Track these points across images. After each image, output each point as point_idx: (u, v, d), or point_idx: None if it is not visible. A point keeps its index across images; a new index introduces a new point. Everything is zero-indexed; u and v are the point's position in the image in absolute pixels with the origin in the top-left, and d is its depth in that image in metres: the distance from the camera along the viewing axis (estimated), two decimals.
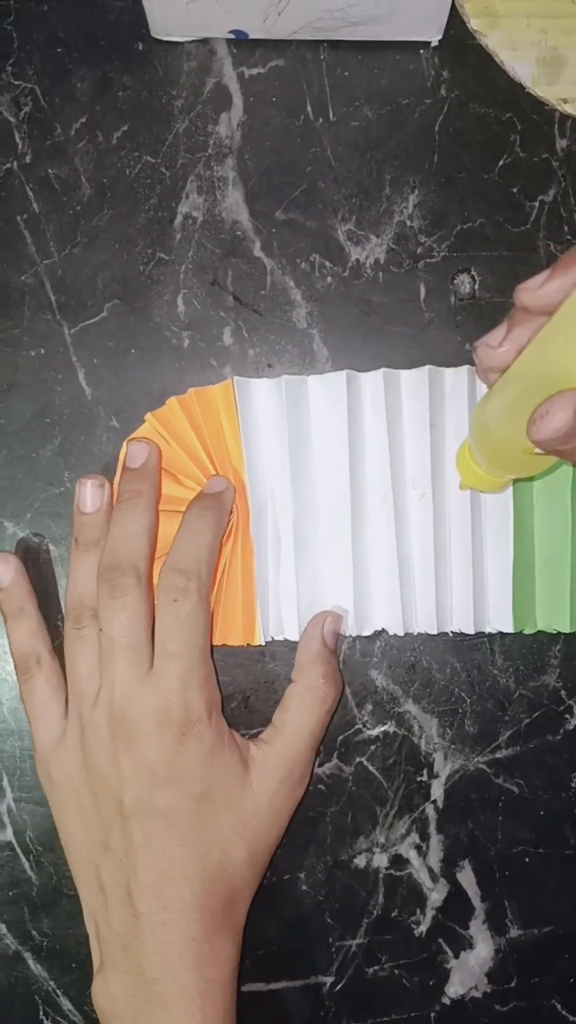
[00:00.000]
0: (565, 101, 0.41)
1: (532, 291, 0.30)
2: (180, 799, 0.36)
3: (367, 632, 0.40)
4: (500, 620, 0.40)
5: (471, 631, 0.40)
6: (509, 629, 0.40)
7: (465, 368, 0.40)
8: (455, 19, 0.41)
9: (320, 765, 0.41)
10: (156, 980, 0.35)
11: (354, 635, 0.40)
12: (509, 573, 0.40)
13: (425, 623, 0.40)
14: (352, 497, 0.40)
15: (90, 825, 0.37)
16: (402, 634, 0.40)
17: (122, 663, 0.36)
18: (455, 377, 0.40)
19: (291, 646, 0.41)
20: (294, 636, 0.40)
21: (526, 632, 0.40)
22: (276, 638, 0.40)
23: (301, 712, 0.38)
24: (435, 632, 0.40)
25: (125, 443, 0.40)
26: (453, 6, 0.40)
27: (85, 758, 0.37)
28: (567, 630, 0.40)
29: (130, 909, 0.36)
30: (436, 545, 0.40)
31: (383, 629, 0.40)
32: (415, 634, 0.40)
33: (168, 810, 0.36)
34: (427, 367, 0.40)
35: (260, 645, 0.40)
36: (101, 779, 0.36)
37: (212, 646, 0.39)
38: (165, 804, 0.36)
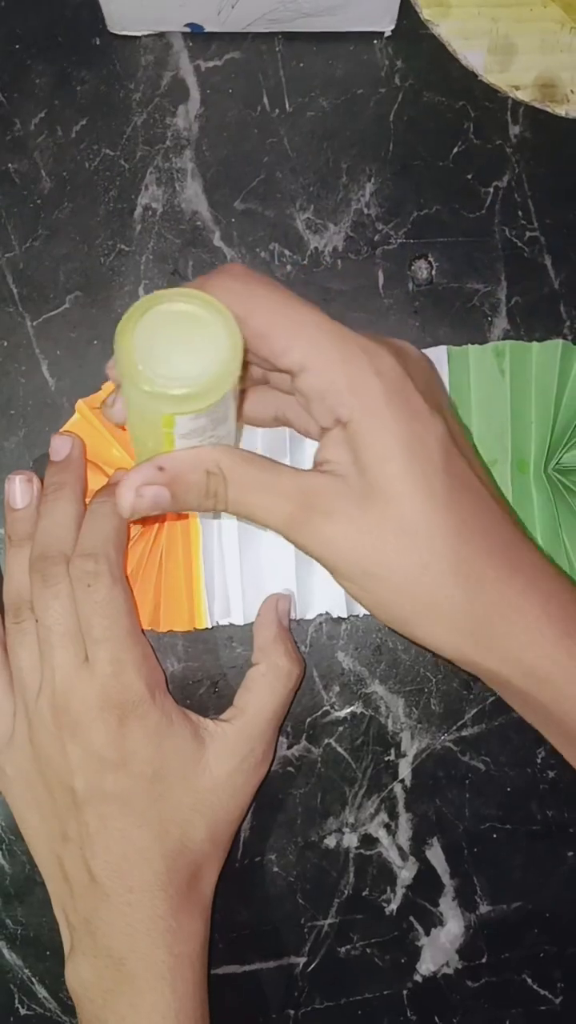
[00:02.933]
0: (517, 88, 0.42)
1: (107, 409, 0.36)
2: (131, 781, 0.36)
3: (310, 616, 0.41)
4: None
5: None
6: None
7: (443, 348, 0.41)
8: (407, 9, 0.42)
9: (289, 747, 0.41)
10: (124, 959, 0.35)
11: (297, 618, 0.41)
12: None
13: None
14: None
15: (47, 817, 0.37)
16: (345, 616, 0.40)
17: (60, 651, 0.36)
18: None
19: None
20: (239, 620, 0.40)
21: None
22: (221, 622, 0.41)
23: (265, 692, 0.39)
24: None
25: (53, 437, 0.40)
26: None
27: (34, 750, 0.37)
28: None
29: (95, 893, 0.36)
30: None
31: (327, 612, 0.41)
32: (360, 616, 0.41)
33: (120, 793, 0.36)
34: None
35: (206, 629, 0.40)
36: (52, 770, 0.36)
37: (151, 631, 0.40)
38: (116, 788, 0.36)
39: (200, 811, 0.37)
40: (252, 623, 0.40)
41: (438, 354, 0.40)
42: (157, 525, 0.40)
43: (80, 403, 0.40)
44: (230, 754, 0.38)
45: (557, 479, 0.41)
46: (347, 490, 0.31)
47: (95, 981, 0.36)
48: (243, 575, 0.40)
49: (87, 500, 0.39)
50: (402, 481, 0.30)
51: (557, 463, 0.41)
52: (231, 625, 0.41)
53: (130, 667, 0.36)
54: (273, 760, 0.40)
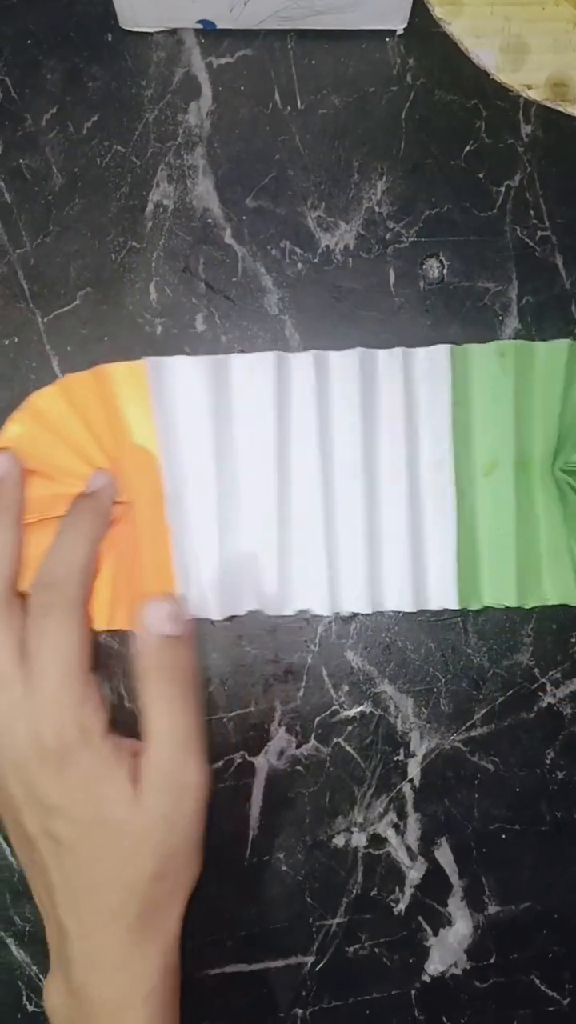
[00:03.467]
0: (529, 87, 0.42)
1: None
2: (72, 827, 0.35)
3: (288, 612, 0.40)
4: (444, 597, 0.40)
5: (410, 609, 0.40)
6: (454, 605, 0.40)
7: (398, 350, 0.40)
8: (420, 7, 0.42)
9: (298, 746, 0.41)
10: (82, 989, 0.35)
11: (273, 615, 0.40)
12: (451, 551, 0.40)
13: (356, 603, 0.40)
14: (279, 479, 0.40)
15: (15, 842, 0.37)
16: (327, 613, 0.40)
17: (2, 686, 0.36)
18: (387, 359, 0.40)
19: (268, 628, 0.41)
20: (215, 615, 0.40)
21: (471, 608, 0.40)
22: (198, 617, 0.40)
23: (162, 719, 0.36)
24: (369, 611, 0.40)
25: None
26: None
27: None
28: (513, 604, 0.40)
29: (57, 921, 0.36)
30: (368, 525, 0.40)
31: (307, 609, 0.40)
32: (346, 614, 0.41)
33: (64, 837, 0.35)
34: (357, 349, 0.40)
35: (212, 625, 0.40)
36: (7, 803, 0.36)
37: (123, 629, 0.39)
38: (59, 832, 0.35)
39: (143, 852, 0.35)
40: (226, 617, 0.40)
41: (440, 353, 0.40)
42: (128, 528, 0.40)
43: (33, 397, 0.40)
44: (161, 788, 0.36)
45: (564, 479, 0.41)
46: None
47: (60, 1007, 0.36)
48: (221, 571, 0.40)
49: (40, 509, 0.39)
50: None
51: (565, 463, 0.41)
52: (240, 624, 0.41)
53: (67, 708, 0.35)
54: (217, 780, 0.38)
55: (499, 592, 0.40)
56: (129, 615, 0.39)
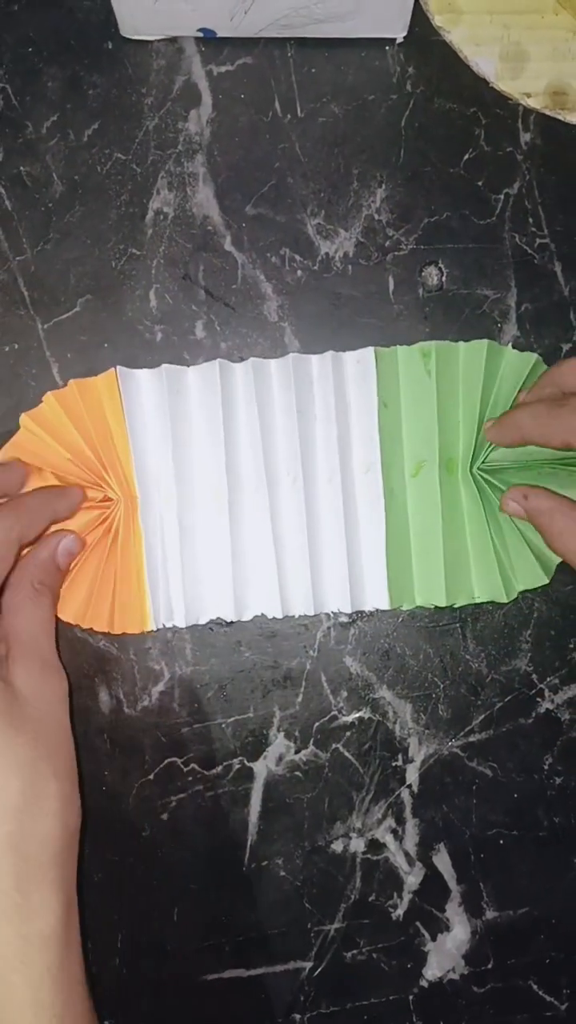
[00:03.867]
0: (528, 95, 0.42)
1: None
2: None
3: (247, 617, 0.41)
4: (377, 598, 0.41)
5: (348, 610, 0.40)
6: (385, 606, 0.40)
7: (329, 354, 0.41)
8: (419, 16, 0.42)
9: (296, 752, 0.41)
10: None
11: (232, 620, 0.41)
12: (381, 553, 0.40)
13: (303, 605, 0.40)
14: (229, 484, 0.40)
15: None
16: (280, 616, 0.41)
17: None
18: (320, 363, 0.41)
19: (267, 634, 0.41)
20: (181, 623, 0.40)
21: (404, 608, 0.41)
22: (166, 624, 0.40)
23: (27, 611, 0.37)
24: (312, 613, 0.41)
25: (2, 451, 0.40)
26: (417, 3, 0.41)
27: None
28: (443, 604, 0.40)
29: None
30: (308, 528, 0.40)
31: (262, 613, 0.41)
32: (296, 616, 0.41)
33: None
34: (291, 355, 0.40)
35: (152, 632, 0.41)
36: None
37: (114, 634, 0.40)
38: None
39: (40, 748, 0.33)
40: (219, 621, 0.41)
41: (368, 356, 0.41)
42: (107, 531, 0.40)
43: (24, 416, 0.40)
44: (29, 674, 0.35)
45: (483, 478, 0.41)
46: None
47: None
48: (184, 578, 0.40)
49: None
50: None
51: (483, 462, 0.41)
52: (239, 629, 0.41)
53: None
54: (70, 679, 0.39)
55: (429, 592, 0.41)
56: (101, 615, 0.40)
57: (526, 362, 0.41)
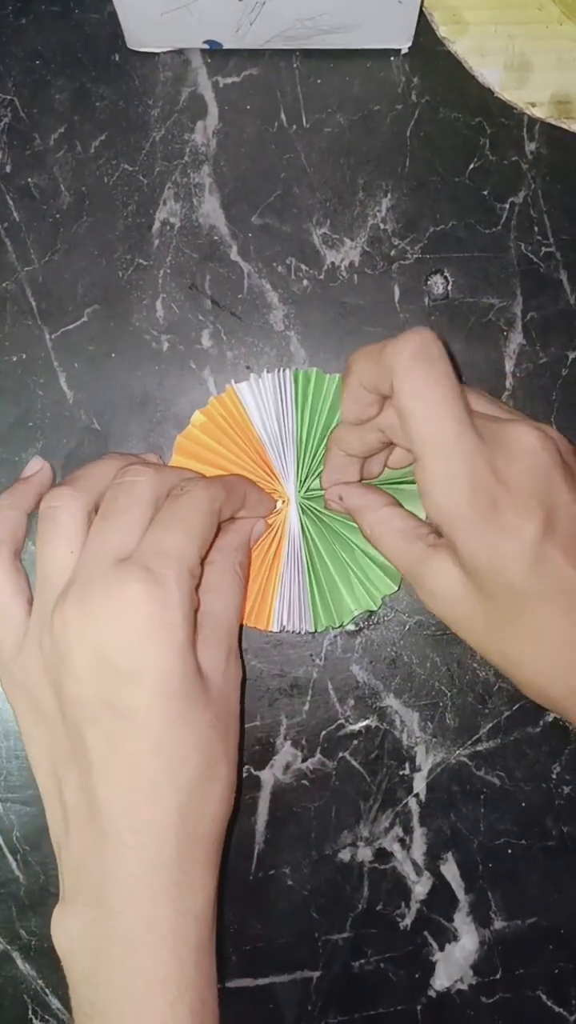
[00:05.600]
0: (533, 105, 0.42)
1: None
2: (148, 696, 0.32)
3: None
4: (303, 623, 0.41)
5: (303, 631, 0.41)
6: (311, 629, 0.41)
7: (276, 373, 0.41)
8: (424, 26, 0.42)
9: (303, 760, 0.41)
10: (118, 913, 0.31)
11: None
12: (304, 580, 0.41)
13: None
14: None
15: (53, 732, 0.34)
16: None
17: (113, 537, 0.34)
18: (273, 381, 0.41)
19: (273, 643, 0.41)
20: (299, 627, 0.41)
21: (318, 629, 0.41)
22: (288, 628, 0.41)
23: (227, 592, 0.37)
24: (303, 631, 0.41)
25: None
26: (422, 14, 0.41)
27: (45, 655, 0.34)
28: (335, 624, 0.41)
29: (93, 830, 0.32)
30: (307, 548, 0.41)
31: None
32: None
33: (134, 709, 0.32)
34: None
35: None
36: (62, 677, 0.33)
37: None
38: (131, 702, 0.32)
39: (217, 729, 0.33)
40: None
41: (288, 377, 0.41)
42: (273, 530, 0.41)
43: (179, 439, 0.41)
44: (218, 655, 0.35)
45: (308, 506, 0.41)
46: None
47: (84, 938, 0.32)
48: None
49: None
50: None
51: (307, 489, 0.41)
52: (246, 638, 0.41)
53: (177, 579, 0.33)
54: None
55: (328, 614, 0.41)
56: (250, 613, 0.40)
57: (330, 382, 0.41)
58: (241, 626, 0.40)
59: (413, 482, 0.41)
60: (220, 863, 0.34)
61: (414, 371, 0.32)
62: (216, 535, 0.37)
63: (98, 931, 0.31)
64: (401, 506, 0.38)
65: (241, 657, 0.38)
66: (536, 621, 0.33)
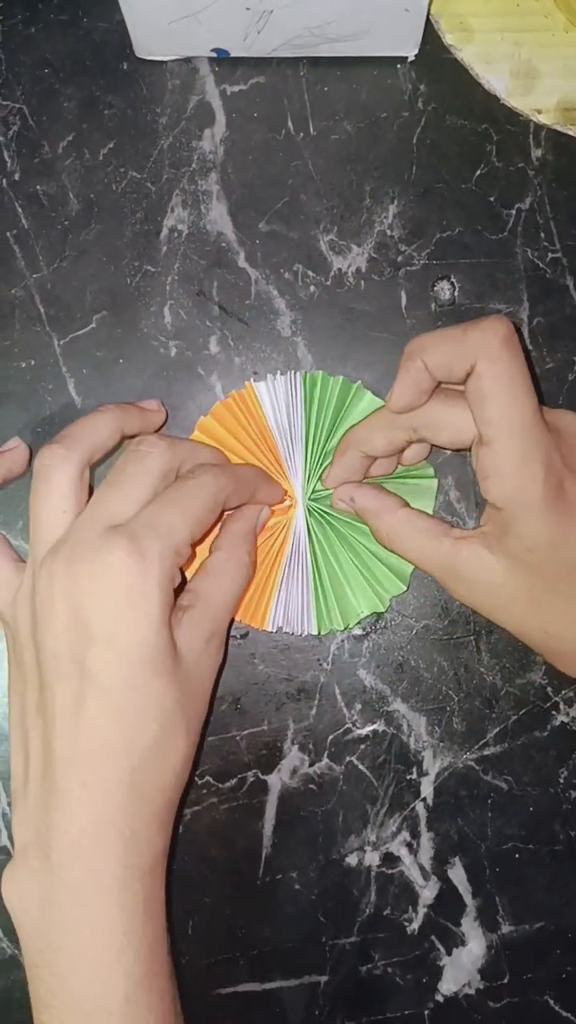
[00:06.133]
0: (539, 111, 0.43)
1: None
2: (115, 663, 0.33)
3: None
4: (307, 626, 0.41)
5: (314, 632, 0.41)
6: (315, 632, 0.41)
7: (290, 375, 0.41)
8: (431, 34, 0.43)
9: (311, 764, 0.41)
10: (66, 865, 0.32)
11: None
12: (309, 583, 0.41)
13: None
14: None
15: (30, 684, 0.35)
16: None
17: (113, 503, 0.35)
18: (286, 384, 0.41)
19: (280, 647, 0.42)
20: (297, 629, 0.41)
21: (322, 632, 0.41)
22: (285, 629, 0.41)
23: (227, 579, 0.37)
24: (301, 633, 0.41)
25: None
26: (428, 22, 0.42)
27: (34, 607, 0.35)
28: (339, 627, 0.41)
29: (46, 783, 0.33)
30: (293, 554, 0.41)
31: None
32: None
33: (99, 673, 0.33)
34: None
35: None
36: (43, 631, 0.34)
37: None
38: (96, 666, 0.33)
39: (182, 704, 0.34)
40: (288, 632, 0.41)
41: (298, 380, 0.41)
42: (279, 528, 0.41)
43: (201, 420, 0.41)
44: (197, 637, 0.35)
45: (314, 507, 0.41)
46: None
47: (33, 890, 0.33)
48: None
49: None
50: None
51: (313, 490, 0.41)
52: (253, 642, 0.41)
53: (160, 554, 0.33)
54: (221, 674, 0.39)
55: (331, 618, 0.41)
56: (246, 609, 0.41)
57: (347, 389, 0.41)
58: (232, 619, 0.40)
59: (413, 478, 0.41)
60: (170, 832, 0.35)
61: (504, 355, 0.34)
62: (219, 520, 0.38)
63: (46, 883, 0.32)
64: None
65: (226, 645, 0.39)
66: None
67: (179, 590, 0.36)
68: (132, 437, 0.39)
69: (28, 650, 0.35)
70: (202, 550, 0.40)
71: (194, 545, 0.36)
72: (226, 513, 0.40)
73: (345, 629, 0.41)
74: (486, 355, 0.34)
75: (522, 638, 0.37)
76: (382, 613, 0.41)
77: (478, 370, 0.34)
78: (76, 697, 0.33)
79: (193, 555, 0.38)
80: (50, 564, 0.34)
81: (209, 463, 0.38)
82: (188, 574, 0.39)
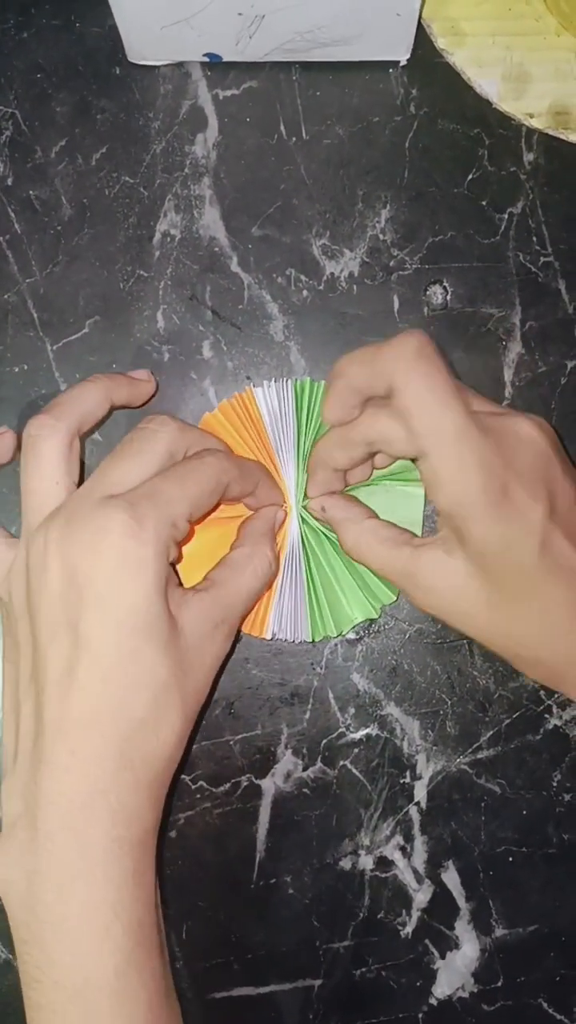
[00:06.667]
0: (531, 115, 0.43)
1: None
2: (105, 627, 0.33)
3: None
4: (301, 632, 0.41)
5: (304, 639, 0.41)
6: (308, 639, 0.41)
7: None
8: (423, 38, 0.43)
9: (304, 769, 0.41)
10: (52, 836, 0.32)
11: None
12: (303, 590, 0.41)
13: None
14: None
15: (25, 655, 0.35)
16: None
17: (116, 471, 0.35)
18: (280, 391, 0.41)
19: (274, 652, 0.42)
20: (290, 636, 0.41)
21: (316, 639, 0.41)
22: (280, 637, 0.41)
23: (247, 572, 0.37)
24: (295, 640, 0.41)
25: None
26: (420, 26, 0.42)
27: (29, 576, 0.35)
28: (333, 634, 0.41)
29: (35, 753, 0.33)
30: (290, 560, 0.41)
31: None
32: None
33: (91, 638, 0.32)
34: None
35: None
36: (39, 597, 0.34)
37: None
38: (87, 630, 0.32)
39: (176, 677, 0.34)
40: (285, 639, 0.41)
41: (288, 388, 0.41)
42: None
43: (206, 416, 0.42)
44: (204, 619, 0.35)
45: (307, 515, 0.41)
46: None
47: (20, 862, 0.32)
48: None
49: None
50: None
51: (306, 498, 0.41)
52: (247, 647, 0.41)
53: (156, 522, 0.33)
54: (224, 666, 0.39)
55: (326, 625, 0.41)
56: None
57: (319, 390, 0.41)
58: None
59: (401, 483, 0.41)
60: (161, 808, 0.34)
61: (416, 368, 0.33)
62: (217, 506, 0.38)
63: (33, 855, 0.32)
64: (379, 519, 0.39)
65: (234, 643, 0.39)
66: (543, 598, 0.35)
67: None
68: (122, 407, 0.40)
69: (23, 620, 0.35)
70: (222, 549, 0.39)
71: (192, 523, 0.36)
72: (240, 521, 0.40)
73: (339, 636, 0.41)
74: (401, 372, 0.33)
75: (488, 645, 0.37)
76: (375, 619, 0.41)
77: (396, 387, 0.34)
78: (68, 662, 0.33)
79: (191, 533, 0.38)
80: (45, 531, 0.34)
81: (215, 448, 0.38)
82: (198, 575, 0.39)
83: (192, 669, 0.35)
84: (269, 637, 0.41)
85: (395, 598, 0.41)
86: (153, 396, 0.41)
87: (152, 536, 0.33)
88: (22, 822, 0.33)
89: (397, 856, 0.41)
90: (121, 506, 0.33)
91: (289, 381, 0.41)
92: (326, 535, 0.41)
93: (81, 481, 0.37)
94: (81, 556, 0.33)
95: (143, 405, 0.41)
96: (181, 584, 0.38)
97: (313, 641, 0.41)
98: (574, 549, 0.34)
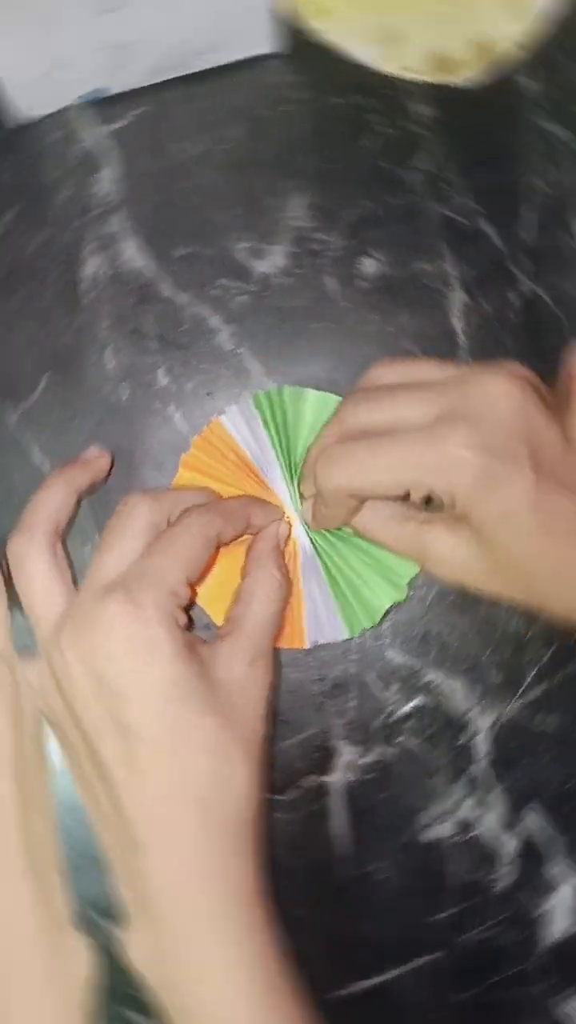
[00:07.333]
0: (412, 70, 0.43)
1: None
2: (145, 710, 0.33)
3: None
4: (337, 632, 0.41)
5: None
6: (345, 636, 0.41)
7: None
8: (295, 23, 0.43)
9: (362, 755, 0.42)
10: (165, 916, 0.33)
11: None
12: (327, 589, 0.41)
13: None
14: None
15: (81, 755, 0.35)
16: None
17: (129, 542, 0.36)
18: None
19: (304, 650, 0.42)
20: (336, 638, 0.41)
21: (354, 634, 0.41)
22: (319, 642, 0.41)
23: (259, 600, 0.37)
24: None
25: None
26: (291, 13, 0.42)
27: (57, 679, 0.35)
28: (368, 626, 0.41)
29: (127, 842, 0.34)
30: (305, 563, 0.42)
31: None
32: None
33: (137, 725, 0.33)
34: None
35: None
36: (73, 695, 0.35)
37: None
38: (133, 719, 0.33)
39: (227, 730, 0.34)
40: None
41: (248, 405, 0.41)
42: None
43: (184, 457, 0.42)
44: (238, 662, 0.36)
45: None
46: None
47: (148, 949, 0.34)
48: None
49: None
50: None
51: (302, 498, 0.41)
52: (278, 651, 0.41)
53: (155, 600, 0.34)
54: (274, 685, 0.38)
55: (361, 617, 0.41)
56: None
57: (294, 397, 0.41)
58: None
59: None
60: (259, 851, 0.35)
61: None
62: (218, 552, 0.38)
63: (154, 936, 0.34)
64: None
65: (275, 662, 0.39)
66: (551, 555, 0.35)
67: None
68: (90, 492, 0.41)
69: (70, 728, 0.36)
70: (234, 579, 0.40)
71: (192, 585, 0.36)
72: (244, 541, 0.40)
73: (375, 625, 0.41)
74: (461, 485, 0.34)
75: (511, 602, 0.38)
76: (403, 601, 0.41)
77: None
78: (124, 753, 0.34)
79: (195, 593, 0.38)
80: (57, 641, 0.35)
81: (194, 505, 0.38)
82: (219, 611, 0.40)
83: (242, 714, 0.35)
84: (309, 646, 0.41)
85: (418, 569, 0.41)
86: (113, 465, 0.41)
87: (154, 613, 0.34)
88: (135, 909, 0.34)
89: (475, 815, 0.42)
90: (117, 597, 0.34)
91: (249, 399, 0.41)
92: (332, 531, 0.41)
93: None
94: (97, 657, 0.34)
95: (108, 477, 0.41)
96: (201, 634, 0.39)
97: (353, 637, 0.41)
98: (570, 495, 0.34)
